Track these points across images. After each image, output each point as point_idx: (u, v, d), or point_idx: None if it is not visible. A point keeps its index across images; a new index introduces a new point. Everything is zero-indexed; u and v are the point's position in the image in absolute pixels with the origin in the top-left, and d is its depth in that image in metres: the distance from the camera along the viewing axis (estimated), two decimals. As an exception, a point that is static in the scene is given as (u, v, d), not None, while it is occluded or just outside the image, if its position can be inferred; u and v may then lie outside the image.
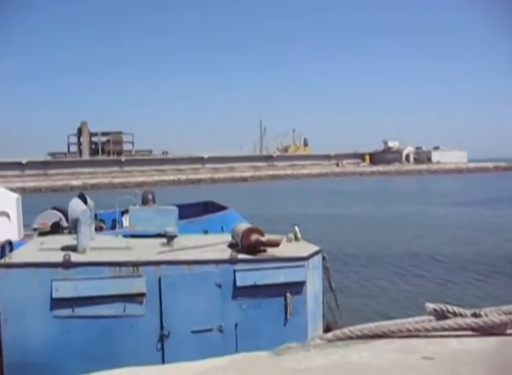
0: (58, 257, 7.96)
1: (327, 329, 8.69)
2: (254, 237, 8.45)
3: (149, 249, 8.87)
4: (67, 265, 7.83)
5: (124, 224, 18.21)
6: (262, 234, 8.55)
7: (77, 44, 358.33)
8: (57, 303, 7.82)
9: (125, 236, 10.36)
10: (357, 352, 3.37)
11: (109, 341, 7.95)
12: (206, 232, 11.70)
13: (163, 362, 7.96)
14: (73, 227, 8.87)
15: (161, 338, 8.02)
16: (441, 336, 3.57)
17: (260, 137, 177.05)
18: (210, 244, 9.29)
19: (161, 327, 7.99)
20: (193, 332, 8.05)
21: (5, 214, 20.11)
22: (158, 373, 3.66)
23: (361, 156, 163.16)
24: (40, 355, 7.88)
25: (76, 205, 8.75)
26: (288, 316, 8.29)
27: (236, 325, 8.17)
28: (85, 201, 9.54)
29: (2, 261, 8.16)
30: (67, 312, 7.84)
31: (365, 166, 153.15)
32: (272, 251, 8.54)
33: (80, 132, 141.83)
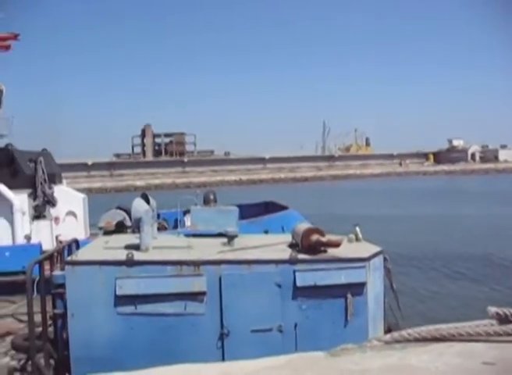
0: (122, 255, 8.16)
1: (388, 331, 8.54)
2: (315, 237, 8.40)
3: (210, 248, 8.96)
4: (130, 263, 8.01)
5: (186, 224, 18.48)
6: (323, 234, 8.49)
7: (141, 46, 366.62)
8: (120, 300, 8.01)
9: (186, 235, 10.50)
10: (415, 355, 3.29)
11: (171, 338, 8.08)
12: (266, 232, 11.74)
13: (223, 360, 8.03)
14: (136, 226, 9.06)
15: (222, 337, 8.08)
16: (503, 341, 3.45)
17: (322, 137, 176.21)
18: (270, 244, 9.30)
19: (222, 326, 8.05)
20: (253, 331, 8.07)
21: (73, 213, 20.81)
22: (217, 369, 3.69)
23: (425, 155, 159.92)
24: (105, 350, 8.09)
25: (139, 205, 8.93)
26: (348, 318, 8.20)
27: (295, 325, 8.15)
28: (148, 201, 9.72)
29: (69, 258, 8.43)
30: (130, 309, 8.01)
31: (429, 166, 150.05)
32: (332, 252, 8.47)
33: (143, 133, 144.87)
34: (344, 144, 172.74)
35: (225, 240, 9.44)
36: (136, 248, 8.74)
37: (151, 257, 8.35)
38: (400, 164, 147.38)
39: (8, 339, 12.30)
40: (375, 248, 8.94)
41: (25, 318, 13.91)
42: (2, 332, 13.18)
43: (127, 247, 8.92)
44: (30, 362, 9.64)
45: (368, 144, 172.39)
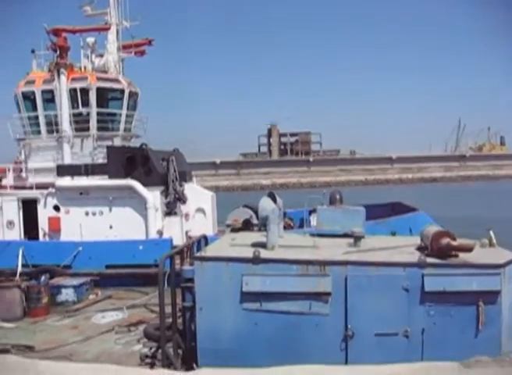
0: (249, 253, 8.32)
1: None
2: (445, 240, 8.09)
3: (336, 249, 8.91)
4: (257, 261, 8.16)
5: (312, 223, 18.48)
6: (454, 238, 8.16)
7: (270, 48, 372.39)
8: (246, 296, 8.18)
9: (312, 235, 10.49)
10: None
11: (294, 336, 8.13)
12: (394, 234, 11.45)
13: (346, 362, 7.97)
14: (263, 225, 9.18)
15: (345, 338, 8.01)
16: None
17: (456, 135, 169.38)
18: (397, 246, 9.09)
19: (346, 327, 7.98)
20: (377, 335, 7.92)
21: (202, 210, 21.51)
22: (341, 373, 3.63)
23: None
24: (229, 344, 8.32)
25: (266, 204, 9.05)
26: (480, 327, 7.80)
27: (422, 331, 7.90)
28: (275, 200, 9.83)
29: (198, 254, 8.73)
30: (255, 305, 8.16)
31: None
32: (463, 257, 8.12)
33: (270, 133, 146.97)
34: (476, 144, 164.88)
35: (351, 240, 9.35)
36: (263, 246, 8.88)
37: (277, 255, 8.45)
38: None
39: (141, 328, 12.92)
40: (511, 255, 8.45)
41: (156, 309, 14.61)
42: (135, 321, 13.87)
43: (254, 245, 9.09)
44: (160, 351, 10.12)
45: (502, 143, 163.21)
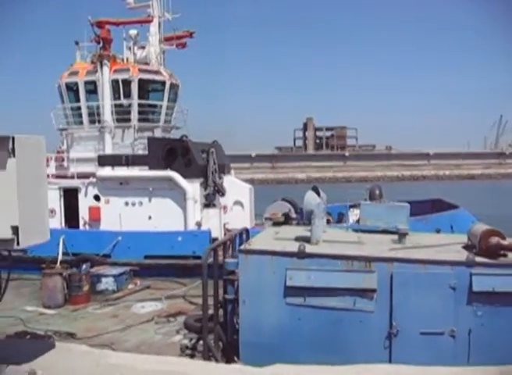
0: (293, 247, 8.27)
1: None
2: (495, 239, 7.90)
3: (380, 245, 8.79)
4: (301, 255, 8.09)
5: (350, 218, 18.35)
6: (503, 237, 7.96)
7: (305, 40, 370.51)
8: (290, 291, 8.12)
9: (354, 230, 10.39)
10: None
11: (337, 332, 8.05)
12: (438, 231, 11.26)
13: (390, 361, 7.85)
14: (307, 219, 9.11)
15: (390, 336, 7.90)
16: None
17: (497, 132, 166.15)
18: (443, 244, 8.92)
19: (390, 325, 7.86)
20: (423, 334, 7.79)
21: (240, 203, 21.56)
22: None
23: None
24: (272, 338, 8.26)
25: (311, 198, 8.98)
26: (530, 330, 7.61)
27: (469, 332, 7.73)
28: (318, 194, 9.74)
29: (243, 247, 8.71)
30: (299, 300, 8.10)
31: None
32: (513, 257, 7.94)
33: (305, 127, 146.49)
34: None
35: (395, 237, 9.22)
36: (307, 240, 8.81)
37: (321, 250, 8.37)
38: None
39: (180, 318, 13.01)
40: None
41: (194, 300, 14.75)
42: (174, 311, 13.97)
43: (297, 239, 9.03)
44: (200, 342, 10.16)
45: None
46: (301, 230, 9.79)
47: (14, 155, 4.04)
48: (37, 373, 3.81)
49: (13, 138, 4.03)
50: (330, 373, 5.06)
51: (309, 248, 8.26)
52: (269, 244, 8.91)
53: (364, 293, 7.89)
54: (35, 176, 4.31)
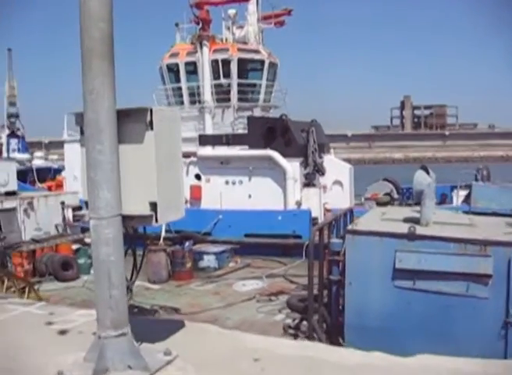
0: (402, 228, 7.97)
1: None
2: None
3: (495, 228, 8.32)
4: (412, 237, 7.78)
5: (454, 200, 17.67)
6: None
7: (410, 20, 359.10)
8: (399, 274, 7.84)
9: (465, 212, 9.93)
10: None
11: (448, 319, 7.71)
12: None
13: (505, 351, 7.43)
14: (418, 200, 8.75)
15: (506, 326, 7.46)
16: None
17: None
18: None
19: (507, 314, 7.44)
20: None
21: (339, 183, 21.27)
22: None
23: None
24: (378, 321, 8.03)
25: (421, 177, 8.61)
26: None
27: None
28: (427, 174, 9.35)
29: (350, 228, 8.50)
30: (408, 283, 7.81)
31: None
32: None
33: (402, 105, 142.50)
34: None
35: (510, 220, 8.73)
36: (416, 221, 8.47)
37: (432, 232, 8.00)
38: None
39: (281, 297, 13.03)
40: None
41: (295, 279, 14.73)
42: (276, 291, 14.01)
43: (406, 220, 8.70)
44: (303, 322, 10.09)
45: None
46: (408, 211, 9.46)
47: (152, 128, 3.86)
48: (172, 353, 3.82)
49: (151, 110, 3.86)
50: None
51: (419, 230, 7.94)
52: (377, 225, 8.65)
53: (479, 278, 7.48)
54: (172, 150, 4.18)
